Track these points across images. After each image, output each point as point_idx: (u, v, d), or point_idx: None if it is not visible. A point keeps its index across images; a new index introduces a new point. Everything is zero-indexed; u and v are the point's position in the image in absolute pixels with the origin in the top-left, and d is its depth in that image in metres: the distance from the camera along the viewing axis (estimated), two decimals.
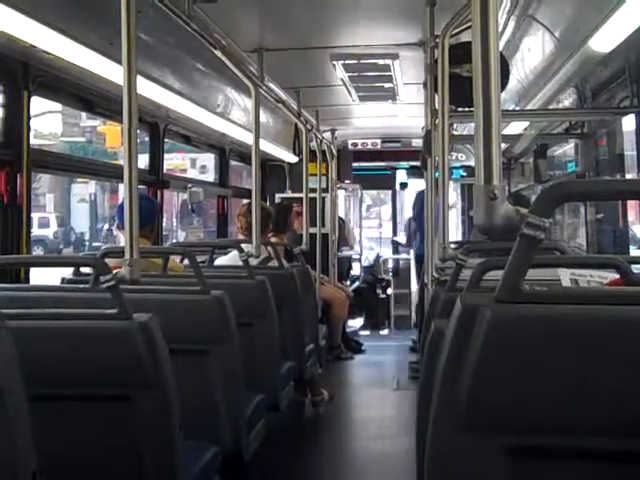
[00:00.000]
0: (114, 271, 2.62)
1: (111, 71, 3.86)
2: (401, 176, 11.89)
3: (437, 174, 4.41)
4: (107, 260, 2.84)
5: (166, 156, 6.28)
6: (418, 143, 9.60)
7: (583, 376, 1.57)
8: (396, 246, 12.09)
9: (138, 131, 3.03)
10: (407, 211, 13.34)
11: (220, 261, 5.52)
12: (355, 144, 10.72)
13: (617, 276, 2.54)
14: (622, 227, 5.29)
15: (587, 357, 1.56)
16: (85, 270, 4.05)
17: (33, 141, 4.07)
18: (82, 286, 3.32)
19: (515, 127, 6.41)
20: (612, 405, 1.57)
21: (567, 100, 5.60)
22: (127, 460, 2.52)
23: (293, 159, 9.37)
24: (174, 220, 20.40)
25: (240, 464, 3.51)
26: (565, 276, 2.91)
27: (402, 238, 12.01)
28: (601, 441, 1.59)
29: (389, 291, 11.19)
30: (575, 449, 1.60)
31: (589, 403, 1.58)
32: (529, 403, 1.60)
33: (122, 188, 3.07)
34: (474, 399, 1.60)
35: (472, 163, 10.31)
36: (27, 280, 4.03)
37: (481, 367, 1.58)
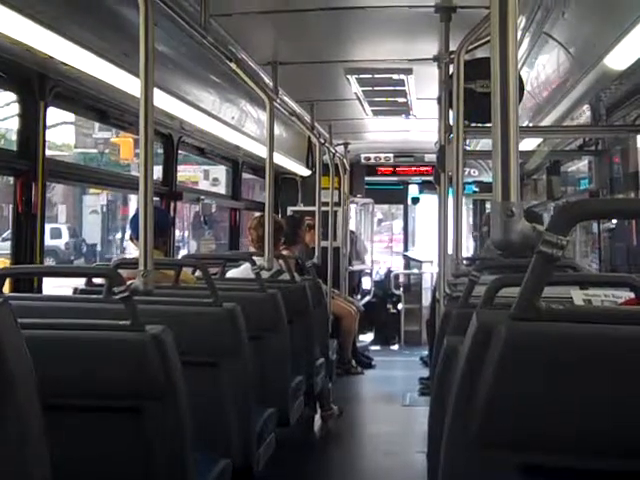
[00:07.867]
0: (127, 282, 2.62)
1: (126, 82, 3.87)
2: (413, 191, 11.90)
3: (450, 189, 4.41)
4: (120, 271, 2.85)
5: (178, 168, 6.30)
6: (431, 158, 9.63)
7: (599, 395, 1.55)
8: (407, 261, 12.06)
9: None
10: (418, 226, 13.33)
11: (231, 274, 5.51)
12: (368, 158, 10.72)
13: (631, 295, 2.52)
14: (636, 245, 5.26)
15: (604, 376, 1.55)
16: (97, 281, 4.06)
17: (47, 152, 4.08)
18: (95, 297, 3.33)
19: (528, 143, 6.40)
20: (629, 425, 1.55)
21: (581, 117, 5.59)
22: (138, 472, 2.51)
23: (306, 172, 9.38)
24: (186, 232, 20.43)
25: (250, 477, 3.50)
26: (578, 297, 2.89)
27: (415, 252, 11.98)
28: (617, 462, 1.57)
29: (400, 306, 11.16)
30: (590, 469, 1.58)
31: (605, 423, 1.56)
32: (545, 422, 1.58)
33: (134, 199, 3.07)
34: (489, 416, 1.59)
35: (484, 179, 10.34)
36: (40, 290, 4.04)
37: (496, 385, 1.57)
